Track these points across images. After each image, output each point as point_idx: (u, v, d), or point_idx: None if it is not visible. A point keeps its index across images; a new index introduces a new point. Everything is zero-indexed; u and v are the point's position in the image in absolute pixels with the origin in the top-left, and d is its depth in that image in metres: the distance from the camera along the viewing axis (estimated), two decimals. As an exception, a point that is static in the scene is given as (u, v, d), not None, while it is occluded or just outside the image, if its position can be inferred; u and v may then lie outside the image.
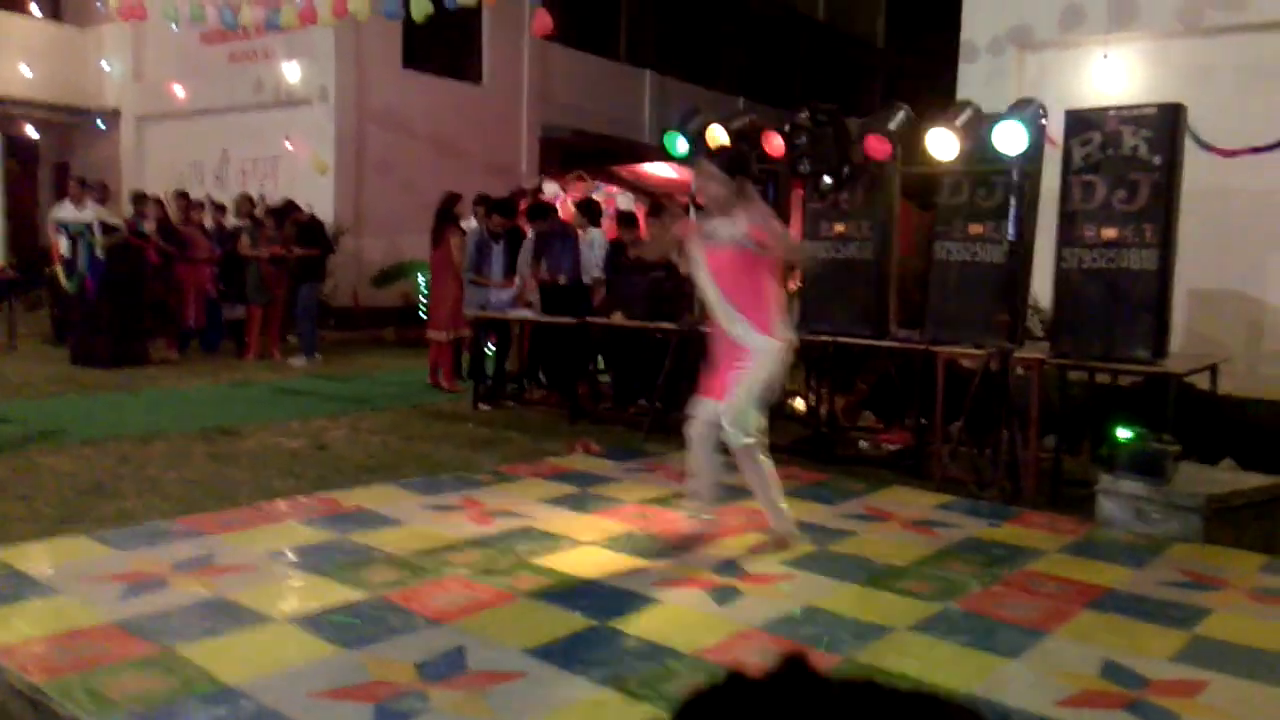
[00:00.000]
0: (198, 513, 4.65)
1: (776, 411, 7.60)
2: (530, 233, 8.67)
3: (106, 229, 9.74)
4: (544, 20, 9.63)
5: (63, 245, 10.03)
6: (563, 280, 8.12)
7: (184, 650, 3.08)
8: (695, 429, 4.38)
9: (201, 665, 2.98)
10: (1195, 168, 6.19)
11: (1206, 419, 5.91)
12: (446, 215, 9.01)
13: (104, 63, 17.15)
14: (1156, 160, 5.42)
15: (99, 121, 17.32)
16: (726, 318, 4.18)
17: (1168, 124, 5.43)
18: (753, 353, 4.15)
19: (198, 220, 11.07)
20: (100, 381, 8.81)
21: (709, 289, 4.23)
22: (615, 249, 8.40)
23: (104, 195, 11.65)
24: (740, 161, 4.39)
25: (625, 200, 11.96)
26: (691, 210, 7.30)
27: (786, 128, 6.41)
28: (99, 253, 9.54)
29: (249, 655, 3.09)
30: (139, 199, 11.51)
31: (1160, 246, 5.39)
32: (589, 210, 9.01)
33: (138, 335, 9.97)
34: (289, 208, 11.11)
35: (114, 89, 17.12)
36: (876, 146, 6.04)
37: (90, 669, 2.93)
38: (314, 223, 11.09)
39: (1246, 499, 4.73)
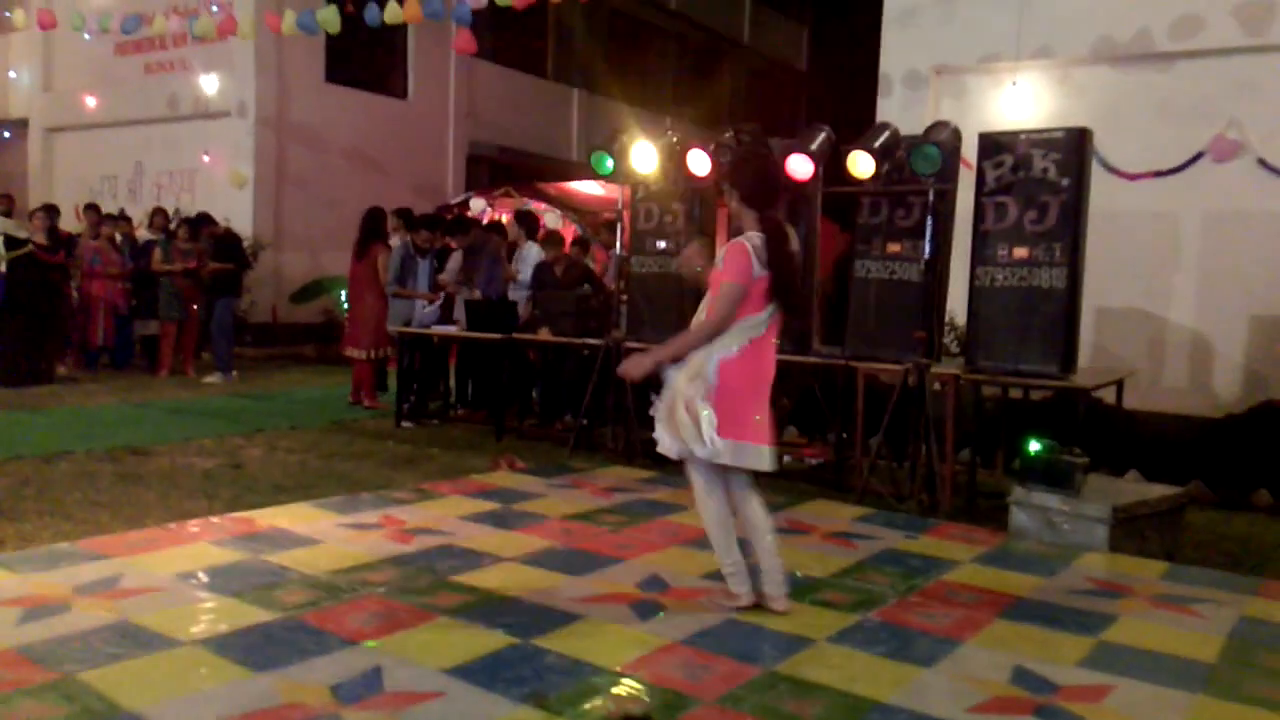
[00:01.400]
0: (103, 535, 4.49)
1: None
2: (455, 247, 8.61)
3: (11, 242, 9.37)
4: (465, 38, 9.66)
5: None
6: (477, 295, 8.06)
7: (85, 676, 2.96)
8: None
9: (103, 691, 2.87)
10: (1102, 190, 6.44)
11: (1113, 432, 6.12)
12: (375, 231, 8.88)
13: (11, 72, 16.61)
14: (1065, 182, 5.60)
15: (4, 132, 16.73)
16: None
17: (1075, 147, 5.62)
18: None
19: (108, 234, 10.72)
20: (2, 400, 8.45)
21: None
22: (541, 266, 8.38)
23: (9, 208, 11.22)
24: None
25: (553, 218, 11.96)
26: (618, 229, 7.33)
27: (711, 147, 6.48)
28: (1, 266, 9.17)
29: (154, 680, 2.98)
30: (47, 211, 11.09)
31: (1069, 265, 5.57)
32: (525, 223, 8.96)
33: (43, 352, 9.60)
34: (203, 220, 10.86)
35: (21, 99, 16.58)
36: (799, 166, 6.14)
37: (-18, 698, 2.80)
38: (230, 236, 10.84)
39: (1150, 509, 4.90)
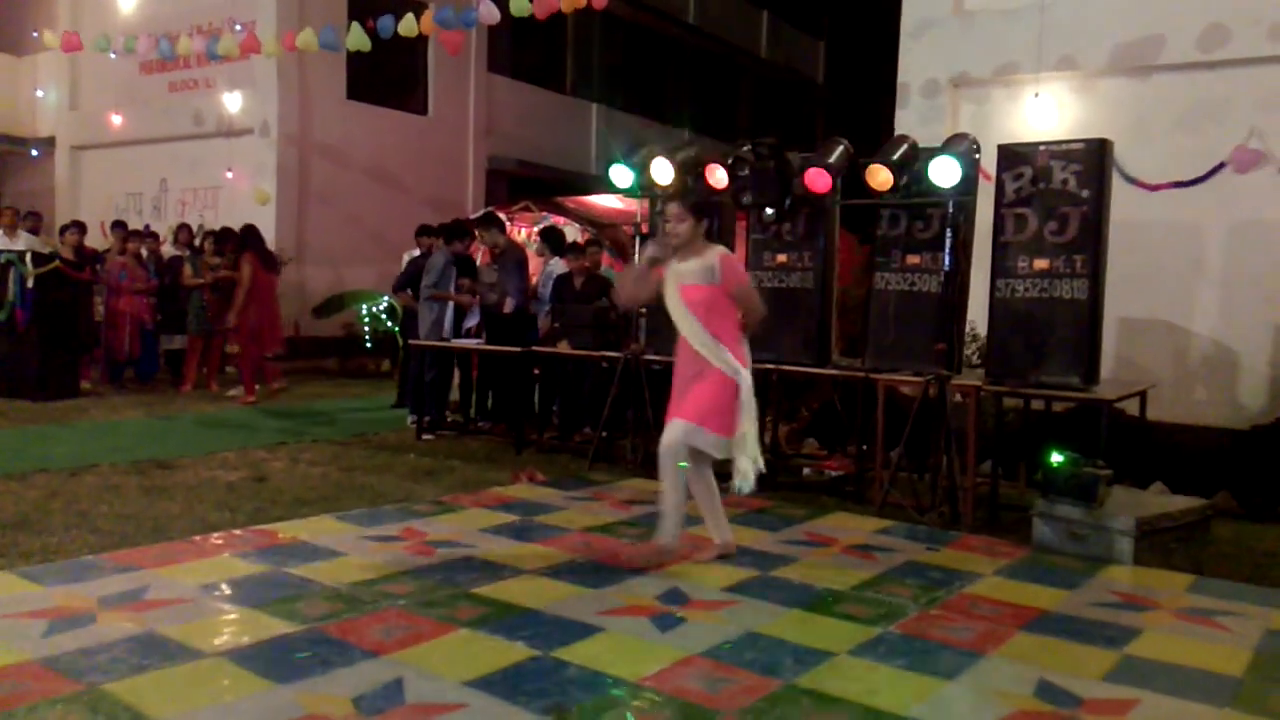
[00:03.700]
0: (128, 547, 4.53)
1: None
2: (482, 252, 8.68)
3: (38, 258, 9.51)
4: (454, 39, 10.05)
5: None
6: (509, 306, 8.06)
7: (110, 687, 2.99)
8: (676, 453, 4.40)
9: (128, 702, 2.89)
10: (1123, 201, 6.40)
11: (1137, 444, 6.07)
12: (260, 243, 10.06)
13: (38, 91, 16.85)
14: (1085, 193, 5.59)
15: (33, 150, 16.96)
16: (707, 348, 4.39)
17: (1095, 158, 5.61)
18: (736, 382, 4.38)
19: (134, 250, 10.85)
20: (29, 414, 8.56)
21: (686, 321, 4.45)
22: (560, 279, 8.41)
23: (37, 225, 11.38)
24: (707, 204, 4.79)
25: (572, 231, 11.99)
26: (637, 241, 7.35)
27: (730, 160, 6.50)
28: (29, 282, 9.30)
29: (178, 691, 3.00)
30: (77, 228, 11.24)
31: (1090, 277, 5.55)
32: (551, 239, 8.99)
33: (69, 366, 9.72)
34: (226, 234, 11.00)
35: (49, 117, 16.81)
36: (817, 179, 6.15)
37: (10, 708, 2.83)
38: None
39: (1175, 521, 4.86)
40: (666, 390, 6.87)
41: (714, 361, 4.37)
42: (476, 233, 8.56)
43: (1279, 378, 7.38)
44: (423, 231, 9.56)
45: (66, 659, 3.20)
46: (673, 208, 4.55)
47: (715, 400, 4.36)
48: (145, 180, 15.57)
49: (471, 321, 8.60)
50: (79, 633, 3.43)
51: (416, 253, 9.73)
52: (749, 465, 4.42)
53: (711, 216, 4.75)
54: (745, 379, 4.40)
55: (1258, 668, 3.46)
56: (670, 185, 6.72)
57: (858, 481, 6.30)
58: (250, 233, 10.05)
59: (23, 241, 10.49)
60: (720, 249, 4.54)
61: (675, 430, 4.36)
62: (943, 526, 5.42)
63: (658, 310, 7.08)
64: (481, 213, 11.11)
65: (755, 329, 4.54)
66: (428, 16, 9.74)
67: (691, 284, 4.44)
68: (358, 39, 10.02)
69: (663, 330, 7.02)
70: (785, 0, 23.61)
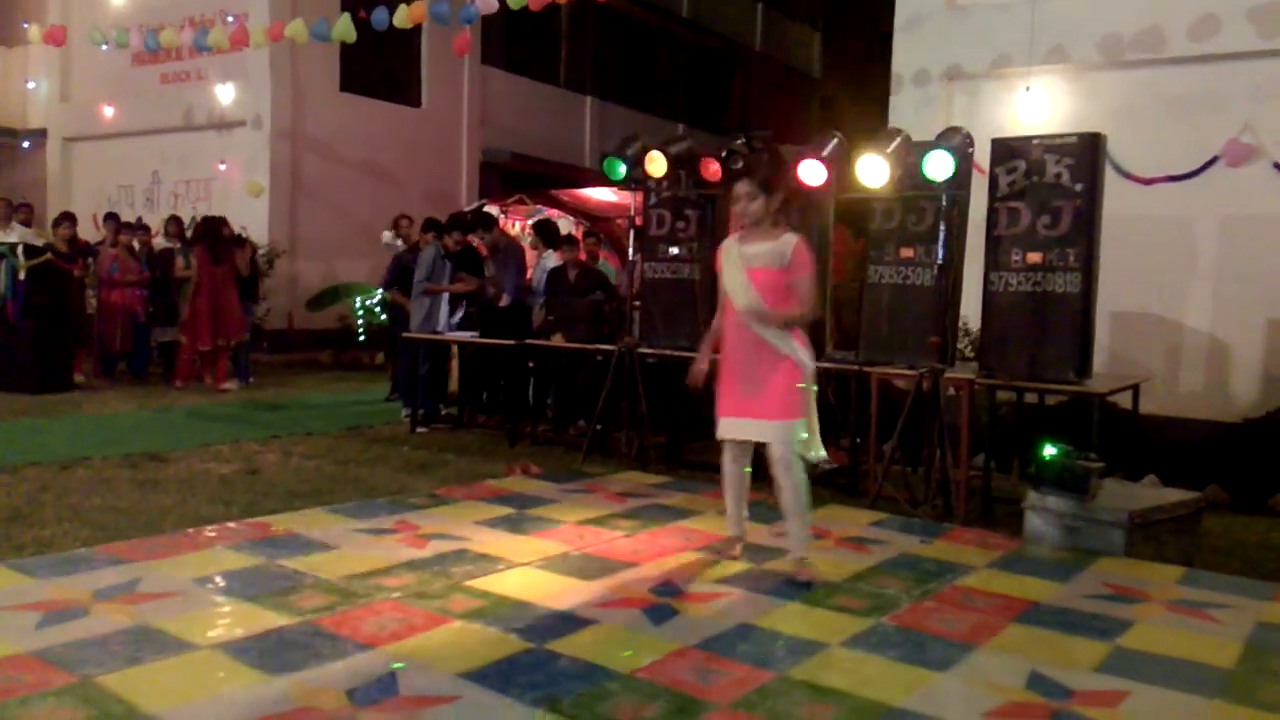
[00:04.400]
0: (121, 540, 4.52)
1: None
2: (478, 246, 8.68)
3: (30, 251, 9.47)
4: (464, 40, 10.06)
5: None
6: (505, 300, 8.05)
7: (103, 679, 2.99)
8: (737, 453, 4.42)
9: (121, 695, 2.89)
10: (1116, 195, 6.42)
11: (1129, 437, 6.09)
12: (227, 236, 10.18)
13: (30, 83, 16.79)
14: (1078, 187, 5.59)
15: (24, 142, 16.90)
16: (777, 335, 4.21)
17: (1088, 152, 5.62)
18: (800, 368, 4.23)
19: (126, 242, 10.81)
20: (21, 407, 8.53)
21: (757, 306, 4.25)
22: (554, 272, 8.40)
23: (28, 217, 11.34)
24: (778, 179, 4.52)
25: (566, 224, 11.98)
26: (631, 233, 7.34)
27: (723, 153, 6.49)
28: (21, 275, 9.27)
29: (172, 684, 3.00)
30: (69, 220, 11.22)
31: (1083, 270, 5.56)
32: (545, 231, 8.98)
33: (61, 359, 9.69)
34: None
35: (40, 109, 16.75)
36: (811, 172, 6.15)
37: (2, 701, 2.82)
38: (237, 242, 10.96)
39: (1166, 514, 4.88)
40: (659, 383, 6.86)
41: (784, 350, 4.21)
42: (478, 232, 8.54)
43: (1270, 371, 7.41)
44: (398, 224, 9.68)
45: (59, 651, 3.19)
46: (741, 186, 4.30)
47: (793, 390, 4.21)
48: (137, 172, 15.53)
49: (457, 316, 8.56)
50: (72, 625, 3.43)
51: (399, 243, 9.75)
52: (817, 440, 4.33)
53: (781, 192, 4.44)
54: (809, 364, 4.26)
55: (1248, 659, 3.48)
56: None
57: (851, 474, 6.31)
58: (206, 225, 10.16)
59: (15, 234, 10.44)
60: (796, 236, 4.27)
61: (777, 434, 4.20)
62: (936, 519, 5.43)
63: (653, 303, 7.12)
64: (475, 208, 11.11)
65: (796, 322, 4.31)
66: (420, 6, 9.71)
67: (761, 268, 4.22)
68: (343, 29, 9.99)
69: (657, 323, 7.04)
70: (780, -7, 23.60)
